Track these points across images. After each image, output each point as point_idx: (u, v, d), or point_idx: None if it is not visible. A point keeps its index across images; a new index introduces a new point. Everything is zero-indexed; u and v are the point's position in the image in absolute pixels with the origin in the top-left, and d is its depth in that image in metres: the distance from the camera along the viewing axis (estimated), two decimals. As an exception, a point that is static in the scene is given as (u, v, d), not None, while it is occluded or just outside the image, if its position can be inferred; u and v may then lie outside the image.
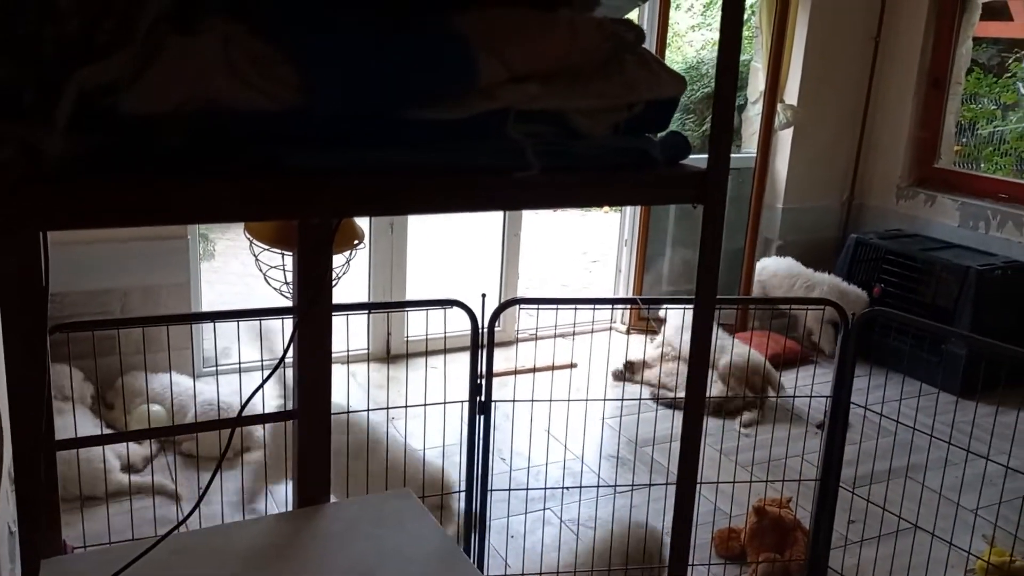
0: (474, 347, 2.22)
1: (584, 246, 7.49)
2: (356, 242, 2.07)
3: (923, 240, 4.89)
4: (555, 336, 4.67)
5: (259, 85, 0.82)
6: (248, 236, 2.06)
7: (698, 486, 2.39)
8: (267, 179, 0.86)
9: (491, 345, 2.22)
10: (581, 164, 0.91)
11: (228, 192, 0.85)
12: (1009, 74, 5.69)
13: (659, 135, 1.00)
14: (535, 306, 2.33)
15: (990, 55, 5.83)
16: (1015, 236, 4.61)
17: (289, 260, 2.02)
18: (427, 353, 3.42)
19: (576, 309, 2.32)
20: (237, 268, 6.16)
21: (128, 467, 3.05)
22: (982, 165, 5.55)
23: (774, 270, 5.00)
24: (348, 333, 2.06)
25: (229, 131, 0.83)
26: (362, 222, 4.31)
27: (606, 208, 8.01)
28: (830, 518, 2.36)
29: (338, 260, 2.14)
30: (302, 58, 0.82)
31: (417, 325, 4.32)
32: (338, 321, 2.12)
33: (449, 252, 6.60)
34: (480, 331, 2.22)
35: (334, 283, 1.98)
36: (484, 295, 2.22)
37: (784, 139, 5.16)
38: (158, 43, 0.80)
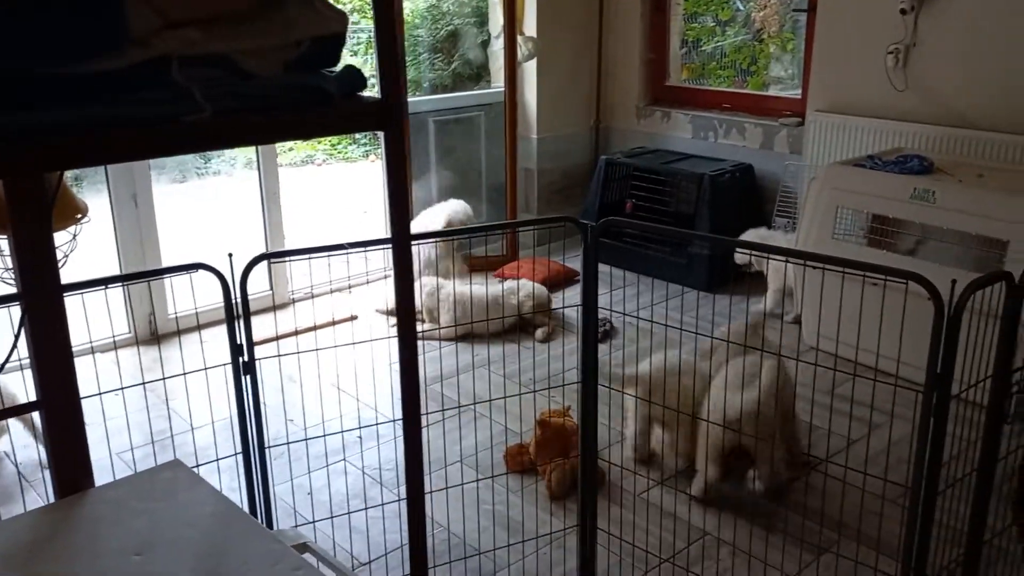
0: (228, 308, 2.19)
1: (353, 197, 7.44)
2: (79, 216, 1.96)
3: (664, 154, 5.28)
4: (312, 294, 4.65)
5: None
6: (-46, 225, 1.89)
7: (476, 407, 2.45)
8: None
9: (245, 302, 2.20)
10: (255, 103, 0.93)
11: None
12: (724, -8, 6.15)
13: (335, 70, 1.03)
14: (286, 259, 2.32)
15: (706, -25, 6.26)
16: (739, 141, 5.09)
17: (7, 245, 1.88)
18: (198, 327, 3.30)
19: (330, 257, 2.33)
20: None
21: None
22: (708, 80, 6.01)
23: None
24: (86, 313, 1.96)
25: None
26: (100, 198, 4.06)
27: (372, 157, 7.97)
28: (594, 416, 2.56)
29: (64, 237, 2.03)
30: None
31: (182, 300, 4.15)
32: (92, 302, 2.02)
33: (210, 222, 6.32)
34: (233, 291, 2.19)
35: (61, 262, 1.88)
36: (231, 254, 2.18)
37: (530, 71, 5.35)
38: None
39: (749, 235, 4.40)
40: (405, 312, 1.08)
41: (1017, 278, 1.88)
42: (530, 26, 5.24)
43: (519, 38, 5.15)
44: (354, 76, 1.01)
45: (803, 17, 4.91)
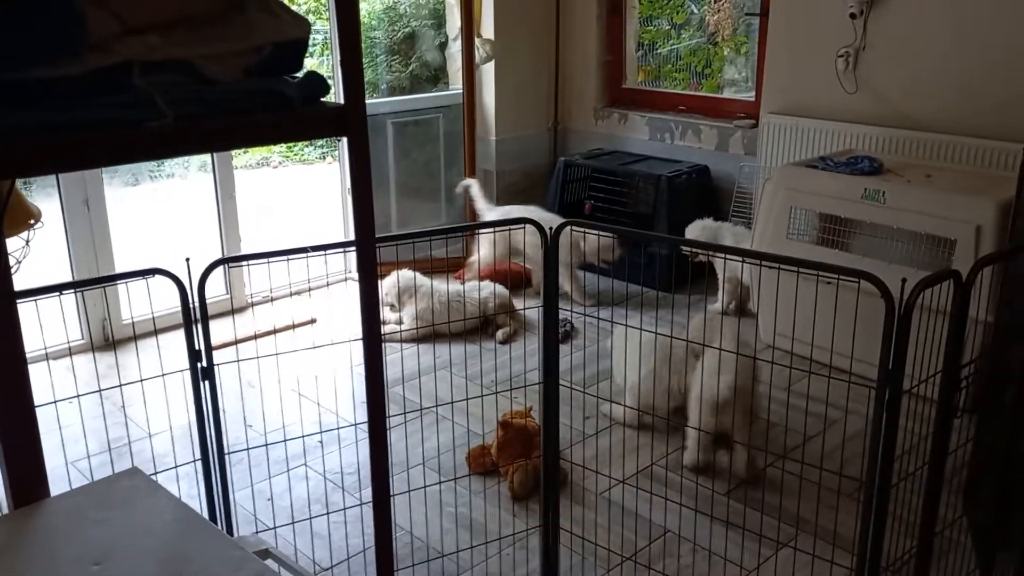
0: (186, 313, 2.16)
1: (309, 199, 7.38)
2: (32, 222, 1.93)
3: (621, 156, 5.32)
4: (271, 298, 4.61)
5: None
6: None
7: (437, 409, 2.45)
8: None
9: (203, 308, 2.18)
10: (217, 109, 0.93)
11: None
12: (678, -5, 6.22)
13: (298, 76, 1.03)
14: (244, 263, 2.30)
15: (661, -21, 6.33)
16: (695, 143, 5.15)
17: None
18: (155, 332, 3.26)
19: (288, 260, 2.31)
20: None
21: None
22: (663, 82, 6.07)
23: None
24: (40, 319, 1.92)
25: None
26: (50, 203, 3.98)
27: (329, 159, 7.91)
28: (556, 417, 2.58)
29: (17, 243, 1.99)
30: None
31: (138, 305, 4.08)
32: (45, 308, 1.99)
33: (165, 225, 6.23)
34: (190, 297, 2.16)
35: (14, 268, 1.84)
36: (188, 259, 2.15)
37: (488, 73, 5.36)
38: None
39: (695, 226, 4.46)
40: (369, 315, 1.08)
41: (964, 276, 1.93)
42: (487, 28, 5.25)
43: (477, 40, 5.16)
44: (316, 82, 1.01)
45: (756, 21, 4.98)
